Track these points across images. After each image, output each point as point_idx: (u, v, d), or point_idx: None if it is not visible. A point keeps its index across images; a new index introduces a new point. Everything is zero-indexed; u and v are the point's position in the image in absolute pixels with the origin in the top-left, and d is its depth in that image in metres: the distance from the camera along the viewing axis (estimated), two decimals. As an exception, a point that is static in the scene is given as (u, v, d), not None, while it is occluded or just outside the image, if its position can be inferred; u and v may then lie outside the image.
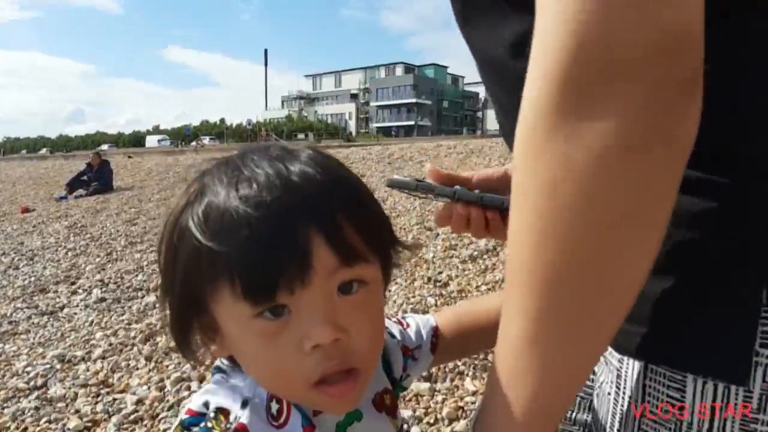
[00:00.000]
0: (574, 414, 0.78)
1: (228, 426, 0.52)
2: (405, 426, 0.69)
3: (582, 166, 0.38)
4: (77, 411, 2.44)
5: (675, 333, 0.48)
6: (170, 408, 2.39)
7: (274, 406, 0.54)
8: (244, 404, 0.53)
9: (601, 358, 0.57)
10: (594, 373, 0.75)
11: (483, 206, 0.70)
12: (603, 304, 0.41)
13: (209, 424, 0.52)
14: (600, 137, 0.38)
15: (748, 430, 0.46)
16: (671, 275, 0.48)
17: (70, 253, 5.69)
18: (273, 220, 0.48)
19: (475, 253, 4.15)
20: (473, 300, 0.76)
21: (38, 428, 2.33)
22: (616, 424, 0.55)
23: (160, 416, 2.34)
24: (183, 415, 0.55)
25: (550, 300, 0.41)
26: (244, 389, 0.55)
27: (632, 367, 0.52)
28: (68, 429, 2.29)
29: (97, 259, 5.32)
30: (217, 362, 0.60)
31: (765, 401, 0.45)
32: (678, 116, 0.38)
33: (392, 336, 0.69)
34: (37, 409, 2.49)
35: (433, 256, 4.20)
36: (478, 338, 0.77)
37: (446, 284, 3.68)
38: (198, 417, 0.54)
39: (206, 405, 0.55)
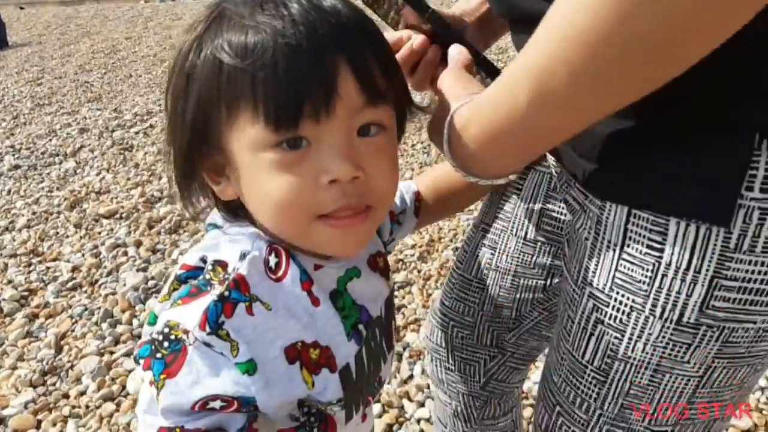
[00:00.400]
0: (533, 258, 0.82)
1: (226, 276, 0.51)
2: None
3: None
4: (10, 281, 2.38)
5: (661, 178, 0.49)
6: (109, 274, 2.36)
7: (273, 260, 0.54)
8: (242, 257, 0.53)
9: (578, 205, 0.59)
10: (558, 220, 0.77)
11: (448, 41, 0.65)
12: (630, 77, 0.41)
13: (207, 276, 0.52)
14: None
15: (723, 269, 0.48)
16: (659, 120, 0.49)
17: (-30, 119, 5.26)
18: (304, 44, 0.47)
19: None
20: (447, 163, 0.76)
21: (-30, 301, 2.27)
22: (591, 267, 0.56)
23: (100, 282, 2.32)
24: (178, 270, 0.55)
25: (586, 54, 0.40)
26: (241, 243, 0.54)
27: (614, 212, 0.53)
28: (3, 299, 2.24)
29: (3, 124, 4.95)
30: (211, 218, 0.59)
31: (742, 241, 0.47)
32: None
33: None
34: (-35, 282, 2.41)
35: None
36: (455, 200, 0.79)
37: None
38: (194, 271, 0.54)
39: (203, 260, 0.54)
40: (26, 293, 2.29)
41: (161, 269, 2.34)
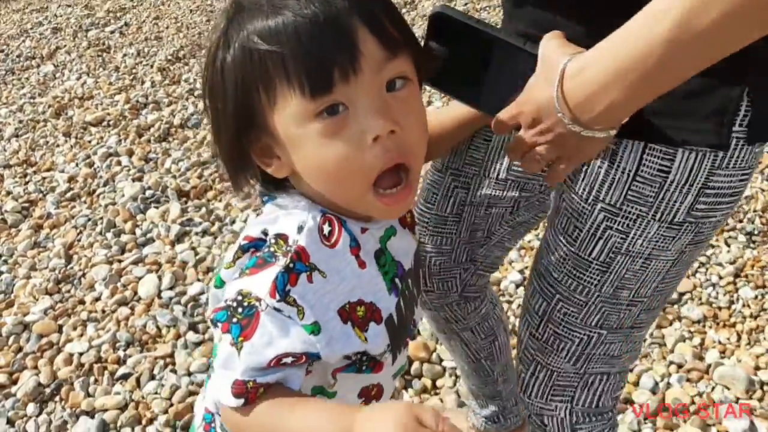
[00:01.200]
0: (504, 192, 0.93)
1: (288, 249, 0.60)
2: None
3: None
4: (9, 193, 2.45)
5: (671, 118, 0.64)
6: (106, 184, 2.44)
7: (326, 228, 0.62)
8: (300, 229, 0.61)
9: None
10: None
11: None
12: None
13: (272, 249, 0.60)
14: None
15: (708, 181, 0.66)
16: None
17: (-67, 16, 5.04)
18: (320, 16, 0.54)
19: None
20: (447, 108, 0.85)
21: (-27, 213, 2.35)
22: (605, 188, 0.70)
23: (97, 192, 2.40)
24: (242, 241, 0.64)
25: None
26: (297, 216, 0.62)
27: (631, 146, 0.67)
28: (5, 211, 2.32)
29: (-31, 23, 4.77)
30: (260, 190, 0.67)
31: (723, 160, 0.65)
32: None
33: None
34: (-36, 193, 2.47)
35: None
36: (457, 138, 0.87)
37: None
38: (256, 242, 0.63)
39: (264, 233, 0.63)
40: (27, 204, 2.37)
41: (156, 179, 2.41)
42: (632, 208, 0.69)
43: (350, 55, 0.54)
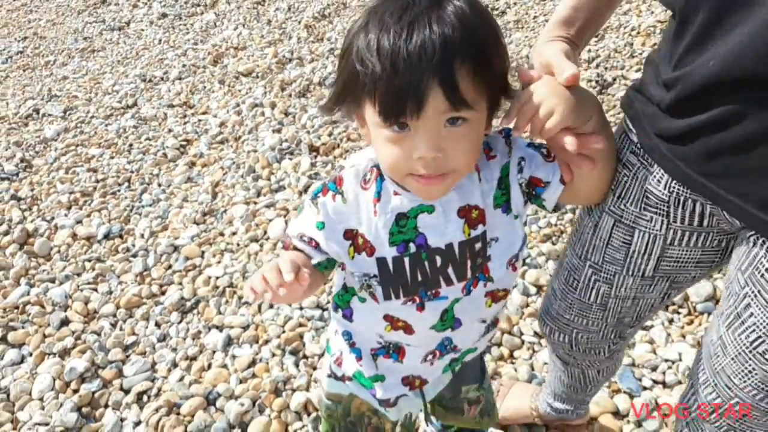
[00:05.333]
0: (652, 287, 0.94)
1: (335, 175, 0.86)
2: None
3: None
4: (170, 130, 2.84)
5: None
6: (250, 132, 2.76)
7: (368, 176, 0.84)
8: (351, 167, 0.85)
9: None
10: None
11: None
12: None
13: (325, 182, 0.86)
14: None
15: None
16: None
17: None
18: (404, 65, 0.67)
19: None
20: None
21: (140, 144, 2.76)
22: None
23: (242, 138, 2.72)
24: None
25: None
26: (362, 162, 0.85)
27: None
28: (167, 147, 2.71)
29: (148, -34, 5.30)
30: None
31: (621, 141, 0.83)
32: None
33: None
34: (135, 127, 2.89)
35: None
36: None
37: (504, 12, 3.70)
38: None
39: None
40: (184, 143, 2.74)
41: (293, 132, 2.69)
42: None
43: (418, 105, 0.69)
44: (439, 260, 0.85)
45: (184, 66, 3.42)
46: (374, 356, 0.97)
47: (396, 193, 0.82)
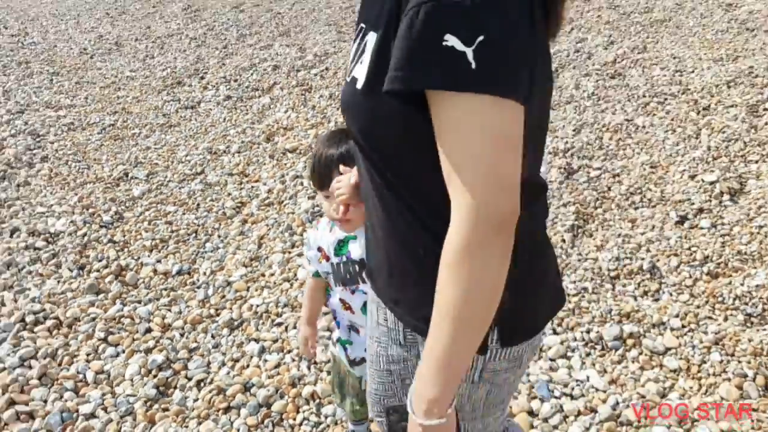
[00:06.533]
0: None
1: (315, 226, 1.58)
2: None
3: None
4: (229, 194, 3.62)
5: None
6: (290, 198, 3.51)
7: (329, 221, 1.56)
8: (323, 220, 1.57)
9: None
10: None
11: None
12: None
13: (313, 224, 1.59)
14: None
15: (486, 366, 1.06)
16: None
17: (192, 43, 6.64)
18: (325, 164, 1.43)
19: None
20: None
21: (206, 204, 3.54)
22: None
23: (284, 203, 3.48)
24: None
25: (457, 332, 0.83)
26: (326, 219, 1.58)
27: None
28: (226, 207, 3.48)
29: (216, 52, 6.26)
30: None
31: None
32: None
33: None
34: (202, 190, 3.69)
35: None
36: None
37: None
38: None
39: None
40: (239, 205, 3.52)
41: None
42: None
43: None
44: (357, 266, 1.54)
45: (242, 142, 4.24)
46: (348, 329, 1.66)
47: (333, 229, 1.55)
